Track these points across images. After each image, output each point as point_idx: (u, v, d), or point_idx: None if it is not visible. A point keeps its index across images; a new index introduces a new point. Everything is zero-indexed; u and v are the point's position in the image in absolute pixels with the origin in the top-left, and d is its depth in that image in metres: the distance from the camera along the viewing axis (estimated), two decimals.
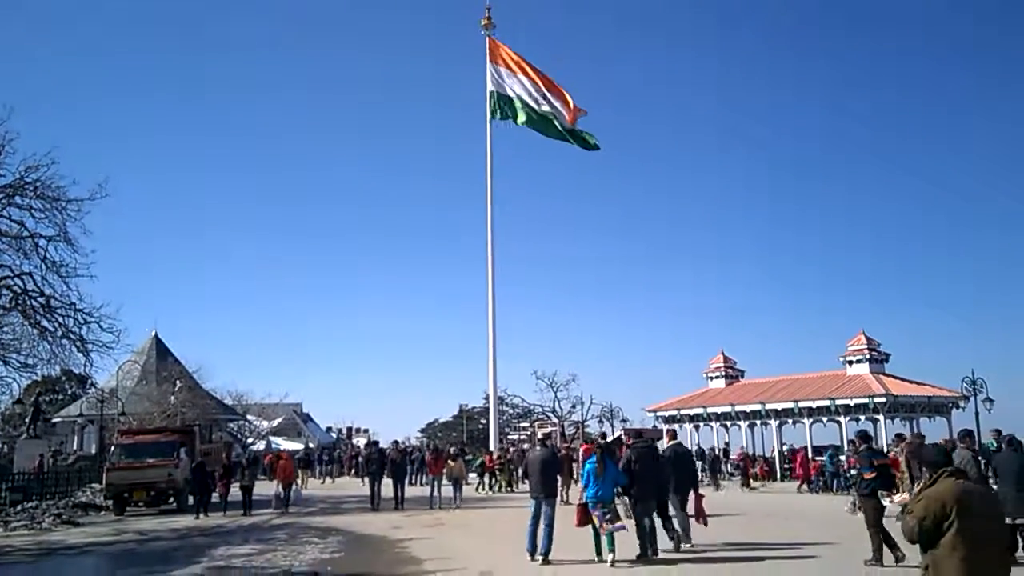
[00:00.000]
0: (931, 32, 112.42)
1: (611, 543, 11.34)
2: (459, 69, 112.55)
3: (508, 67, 23.69)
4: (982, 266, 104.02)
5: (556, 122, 23.46)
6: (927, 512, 5.17)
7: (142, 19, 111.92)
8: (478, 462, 31.71)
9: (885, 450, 19.20)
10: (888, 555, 10.83)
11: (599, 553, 11.62)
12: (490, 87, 23.94)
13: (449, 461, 23.62)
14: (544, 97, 23.47)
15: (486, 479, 28.62)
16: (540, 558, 11.64)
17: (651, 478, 12.08)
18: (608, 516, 11.38)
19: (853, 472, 11.95)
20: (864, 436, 13.13)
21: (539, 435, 14.40)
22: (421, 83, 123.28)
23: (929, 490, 5.35)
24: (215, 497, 22.73)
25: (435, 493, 22.31)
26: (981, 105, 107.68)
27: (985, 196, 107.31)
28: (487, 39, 24.17)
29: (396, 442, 26.93)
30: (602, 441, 15.26)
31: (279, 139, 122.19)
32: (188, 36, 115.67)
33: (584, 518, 11.68)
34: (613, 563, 11.15)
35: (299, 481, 28.05)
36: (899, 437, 20.75)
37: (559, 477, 15.84)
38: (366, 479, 24.65)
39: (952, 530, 5.04)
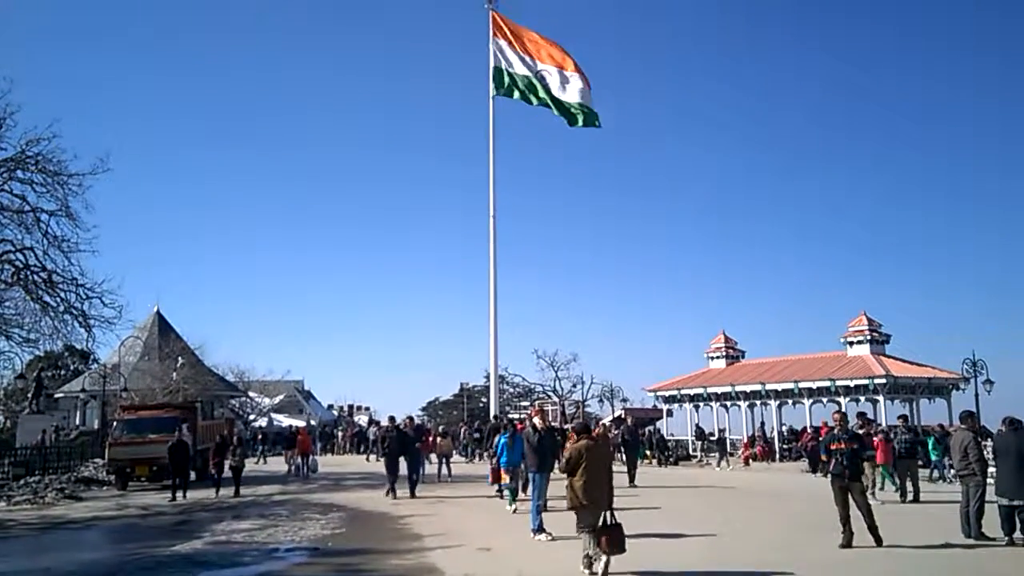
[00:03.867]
0: (929, 14, 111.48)
1: (513, 496, 15.64)
2: (461, 46, 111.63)
3: (511, 41, 23.36)
4: (984, 248, 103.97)
5: (557, 97, 23.19)
6: (571, 455, 9.55)
7: None
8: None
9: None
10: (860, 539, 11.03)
11: (512, 503, 15.57)
12: (493, 63, 23.62)
13: (438, 439, 24.07)
14: (548, 74, 23.17)
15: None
16: (543, 534, 11.93)
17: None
18: (512, 475, 15.67)
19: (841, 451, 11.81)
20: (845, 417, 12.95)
21: (534, 415, 14.72)
22: (423, 61, 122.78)
23: (573, 444, 9.89)
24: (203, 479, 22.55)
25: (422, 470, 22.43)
26: (982, 83, 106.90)
27: (986, 177, 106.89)
28: (490, 13, 23.79)
29: (411, 418, 23.79)
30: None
31: (280, 117, 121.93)
32: (190, 16, 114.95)
33: (496, 476, 16.53)
34: (515, 511, 14.99)
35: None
36: (903, 419, 20.60)
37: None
38: (381, 459, 21.11)
39: (582, 465, 9.32)
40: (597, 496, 9.22)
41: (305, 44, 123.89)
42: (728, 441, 36.00)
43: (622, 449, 23.47)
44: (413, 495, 18.66)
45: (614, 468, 21.27)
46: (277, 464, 30.62)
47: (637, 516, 15.24)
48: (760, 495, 19.76)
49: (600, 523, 9.20)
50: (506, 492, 16.32)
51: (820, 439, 18.01)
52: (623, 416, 42.78)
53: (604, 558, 9.06)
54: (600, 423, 27.33)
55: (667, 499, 18.65)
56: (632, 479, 21.30)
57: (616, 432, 24.47)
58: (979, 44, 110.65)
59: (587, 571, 9.38)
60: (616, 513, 9.37)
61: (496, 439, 18.37)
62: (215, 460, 21.35)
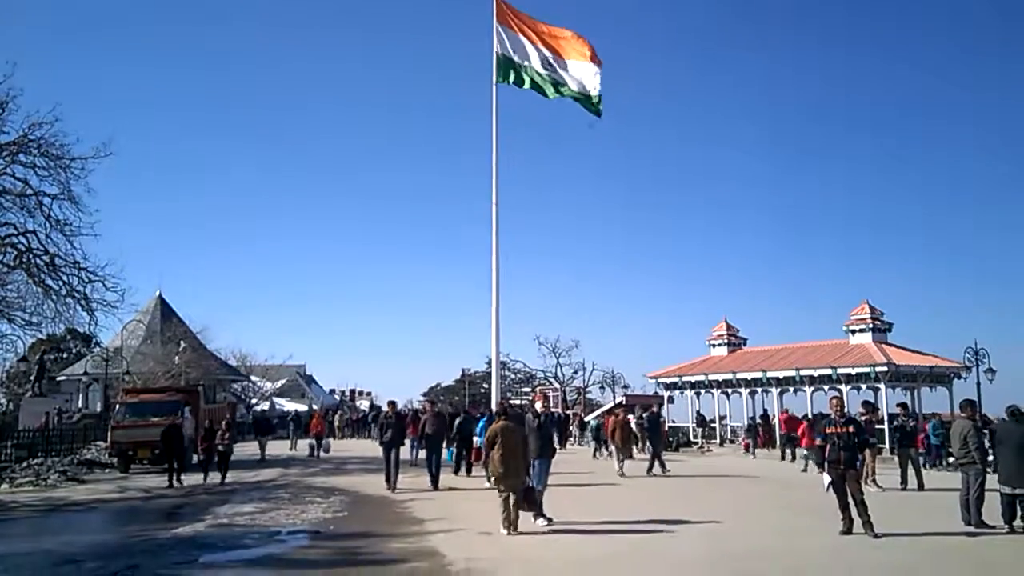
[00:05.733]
0: (929, 7, 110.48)
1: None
2: (466, 33, 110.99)
3: (516, 28, 23.20)
4: (985, 236, 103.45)
5: (564, 85, 23.03)
6: (492, 434, 11.74)
7: None
8: (593, 424, 31.10)
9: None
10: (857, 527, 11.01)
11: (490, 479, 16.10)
12: (497, 49, 23.44)
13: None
14: (555, 63, 23.00)
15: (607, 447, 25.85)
16: (542, 519, 11.92)
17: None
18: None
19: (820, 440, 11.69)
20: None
21: (536, 400, 14.81)
22: (427, 48, 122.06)
23: (493, 425, 12.10)
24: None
25: (413, 454, 22.39)
26: (983, 74, 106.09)
27: (988, 167, 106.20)
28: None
29: (432, 402, 21.62)
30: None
31: (282, 104, 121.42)
32: (194, 4, 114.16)
33: (477, 454, 17.64)
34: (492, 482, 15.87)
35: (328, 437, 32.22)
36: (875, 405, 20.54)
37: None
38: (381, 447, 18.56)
39: (498, 441, 11.45)
40: (512, 466, 11.40)
41: (308, 32, 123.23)
42: (729, 428, 36.04)
43: (646, 436, 22.96)
44: (435, 486, 17.43)
45: (635, 457, 21.60)
46: (248, 450, 29.97)
47: (645, 501, 15.40)
48: (761, 481, 19.79)
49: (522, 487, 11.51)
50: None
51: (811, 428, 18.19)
52: (622, 401, 42.78)
53: (511, 518, 11.35)
54: (623, 410, 27.20)
55: (670, 485, 18.76)
56: (650, 468, 20.74)
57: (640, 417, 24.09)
58: (978, 36, 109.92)
59: (506, 531, 11.28)
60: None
61: (457, 423, 19.92)
62: (203, 446, 21.00)
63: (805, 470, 22.24)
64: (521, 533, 11.28)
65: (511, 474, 11.39)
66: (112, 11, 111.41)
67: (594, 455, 26.89)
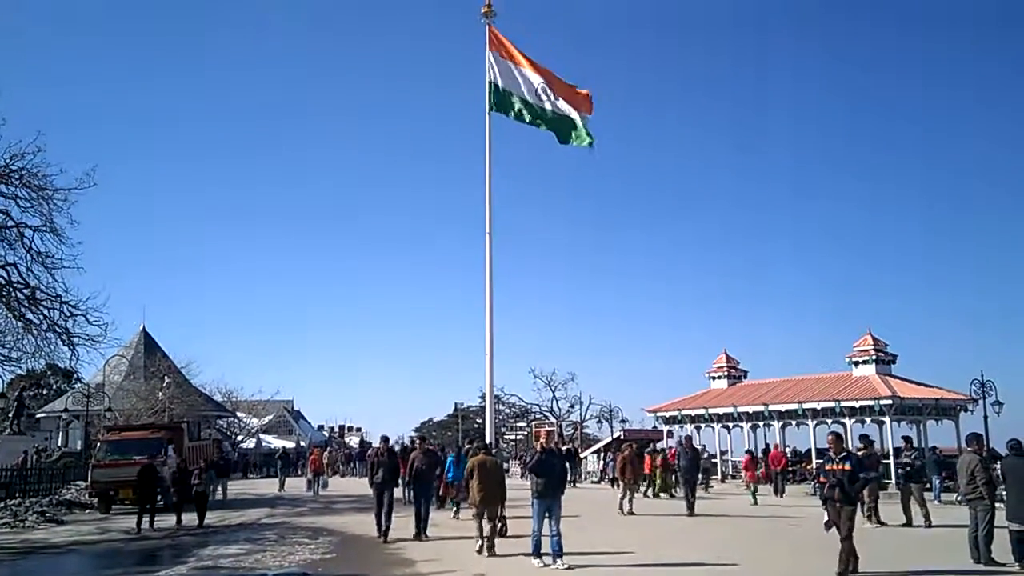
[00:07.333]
0: (933, 19, 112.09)
1: (459, 507, 18.21)
2: (461, 55, 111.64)
3: (509, 59, 23.28)
4: (992, 267, 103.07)
5: (555, 120, 23.03)
6: (470, 467, 13.18)
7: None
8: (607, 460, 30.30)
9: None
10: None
11: (456, 513, 18.34)
12: (489, 77, 23.51)
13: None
14: (545, 93, 23.05)
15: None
16: (557, 562, 11.55)
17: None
18: (458, 488, 17.99)
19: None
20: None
21: (543, 438, 14.42)
22: (421, 69, 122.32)
23: (472, 459, 13.62)
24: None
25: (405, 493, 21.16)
26: (986, 101, 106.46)
27: (993, 196, 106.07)
28: (487, 27, 23.69)
29: (423, 439, 19.80)
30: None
31: (273, 127, 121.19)
32: (180, 19, 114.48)
33: (446, 489, 18.93)
34: (456, 516, 18.16)
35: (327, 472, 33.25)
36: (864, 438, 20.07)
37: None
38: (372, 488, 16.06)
39: (476, 472, 12.84)
40: (487, 495, 12.82)
41: (299, 49, 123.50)
42: (730, 463, 35.41)
43: (678, 474, 21.79)
44: (424, 534, 15.37)
45: (675, 493, 20.84)
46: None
47: (651, 539, 15.02)
48: (767, 520, 19.39)
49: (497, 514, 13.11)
50: (450, 504, 19.34)
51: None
52: (621, 436, 42.30)
53: (485, 539, 12.82)
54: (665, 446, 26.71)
55: (676, 523, 18.49)
56: (690, 507, 19.57)
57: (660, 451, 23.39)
58: (980, 45, 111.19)
59: (479, 553, 12.73)
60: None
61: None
62: (176, 488, 19.72)
63: (755, 503, 22.63)
64: (517, 554, 11.66)
65: (486, 502, 12.84)
66: (99, 27, 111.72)
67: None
